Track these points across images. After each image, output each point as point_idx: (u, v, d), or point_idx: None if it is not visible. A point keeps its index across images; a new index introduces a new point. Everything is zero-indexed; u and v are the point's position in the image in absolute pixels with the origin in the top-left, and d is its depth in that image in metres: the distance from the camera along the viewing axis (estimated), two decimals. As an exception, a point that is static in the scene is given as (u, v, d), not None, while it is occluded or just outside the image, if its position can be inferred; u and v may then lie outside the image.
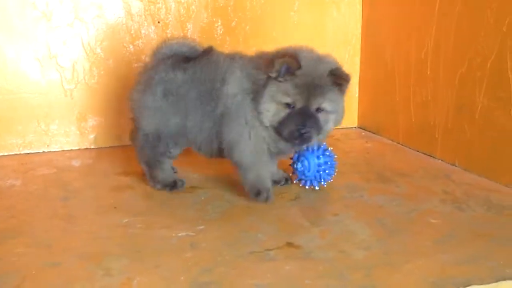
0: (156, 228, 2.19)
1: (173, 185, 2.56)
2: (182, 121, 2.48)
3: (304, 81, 2.27)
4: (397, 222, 2.24)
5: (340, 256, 1.97)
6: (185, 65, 2.51)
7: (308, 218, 2.30)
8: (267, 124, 2.33)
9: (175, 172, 2.69)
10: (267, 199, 2.38)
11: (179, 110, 2.48)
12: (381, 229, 2.19)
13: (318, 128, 2.31)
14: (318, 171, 2.52)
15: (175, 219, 2.27)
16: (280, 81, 2.28)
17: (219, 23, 3.34)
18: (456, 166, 2.86)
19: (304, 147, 2.46)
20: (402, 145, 3.29)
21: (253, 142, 2.37)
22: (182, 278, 1.82)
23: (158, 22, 3.24)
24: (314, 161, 2.51)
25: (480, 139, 2.72)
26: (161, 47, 2.58)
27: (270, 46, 3.38)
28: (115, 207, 2.41)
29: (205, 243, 2.06)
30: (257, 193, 2.39)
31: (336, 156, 2.58)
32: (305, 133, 2.27)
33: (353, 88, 3.67)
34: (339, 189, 2.61)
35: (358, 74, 3.67)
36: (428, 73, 3.03)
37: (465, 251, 1.99)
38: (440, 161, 2.97)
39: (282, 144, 2.38)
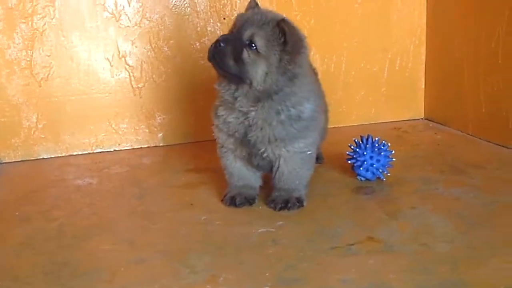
0: (235, 225, 2.21)
1: None
2: None
3: (246, 15, 2.28)
4: (477, 215, 2.21)
5: (423, 250, 1.95)
6: None
7: (386, 211, 2.29)
8: None
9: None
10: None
11: None
12: (461, 222, 2.15)
13: (237, 54, 2.18)
14: (372, 171, 2.55)
15: (253, 215, 2.29)
16: None
17: (284, 18, 3.34)
18: (533, 156, 2.80)
19: (221, 70, 2.25)
20: (472, 136, 3.23)
21: None
22: (267, 274, 1.83)
23: (224, 18, 3.26)
24: (368, 161, 2.53)
25: (557, 128, 2.66)
26: None
27: (335, 39, 3.45)
28: (191, 204, 2.44)
29: (285, 239, 2.07)
30: None
31: (392, 152, 2.58)
32: (218, 45, 2.18)
33: (419, 79, 3.64)
34: (414, 182, 2.58)
35: (424, 65, 3.62)
36: (500, 62, 2.97)
37: (556, 245, 1.95)
38: (514, 151, 2.91)
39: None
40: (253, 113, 2.24)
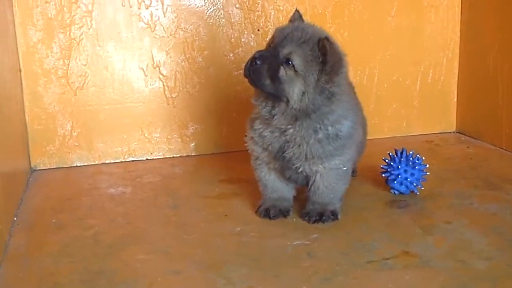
0: (270, 237, 2.21)
1: None
2: None
3: (286, 28, 2.24)
4: (514, 232, 2.19)
5: (460, 266, 1.94)
6: None
7: (420, 225, 2.28)
8: None
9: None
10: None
11: None
12: (498, 238, 2.14)
13: (273, 72, 2.14)
14: (406, 185, 2.54)
15: (287, 227, 2.29)
16: None
17: (317, 30, 3.34)
18: None
19: (255, 85, 2.22)
20: (506, 150, 3.20)
21: None
22: (304, 287, 1.83)
23: (258, 30, 3.27)
24: (402, 175, 2.52)
25: None
26: None
27: (368, 51, 3.44)
28: (226, 215, 2.44)
29: (321, 252, 2.07)
30: None
31: (426, 166, 2.57)
32: (254, 63, 2.15)
33: (452, 92, 3.62)
34: (447, 196, 2.57)
35: (456, 78, 3.60)
36: (536, 76, 2.95)
37: None
38: (550, 167, 2.88)
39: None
40: (291, 130, 2.23)
